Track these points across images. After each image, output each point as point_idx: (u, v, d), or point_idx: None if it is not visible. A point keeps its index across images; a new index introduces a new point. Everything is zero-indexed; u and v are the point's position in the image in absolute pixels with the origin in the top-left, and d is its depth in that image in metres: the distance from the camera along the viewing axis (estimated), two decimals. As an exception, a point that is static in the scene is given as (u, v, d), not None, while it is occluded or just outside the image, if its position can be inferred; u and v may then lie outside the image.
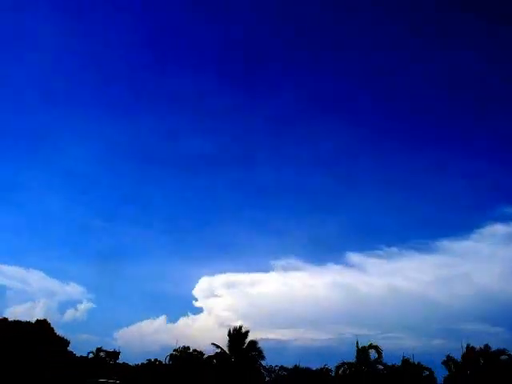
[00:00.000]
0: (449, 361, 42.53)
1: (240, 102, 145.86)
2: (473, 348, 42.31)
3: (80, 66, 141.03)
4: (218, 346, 47.18)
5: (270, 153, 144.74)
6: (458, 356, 42.70)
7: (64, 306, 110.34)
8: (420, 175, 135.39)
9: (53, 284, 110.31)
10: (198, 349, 57.16)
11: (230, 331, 47.20)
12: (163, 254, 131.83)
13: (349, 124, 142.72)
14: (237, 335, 47.12)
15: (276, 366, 59.50)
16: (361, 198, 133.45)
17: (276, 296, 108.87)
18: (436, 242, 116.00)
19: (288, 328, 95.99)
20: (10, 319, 47.89)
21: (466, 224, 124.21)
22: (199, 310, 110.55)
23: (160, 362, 59.96)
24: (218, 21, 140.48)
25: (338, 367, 47.44)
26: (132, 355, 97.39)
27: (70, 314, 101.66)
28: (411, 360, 46.71)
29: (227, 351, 46.95)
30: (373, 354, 44.60)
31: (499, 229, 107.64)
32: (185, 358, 55.94)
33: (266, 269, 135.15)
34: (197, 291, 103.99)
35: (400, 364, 46.37)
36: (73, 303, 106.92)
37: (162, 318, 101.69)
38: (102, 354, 61.20)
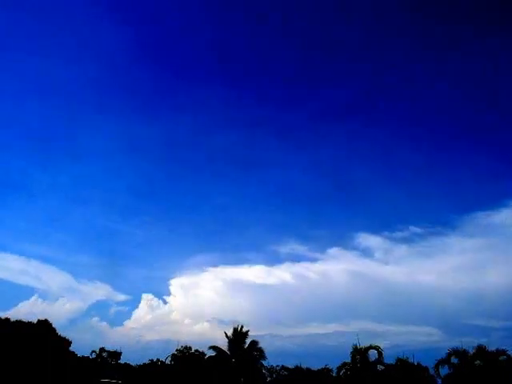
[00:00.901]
0: (449, 360, 42.13)
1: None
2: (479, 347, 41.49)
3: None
4: (216, 348, 47.23)
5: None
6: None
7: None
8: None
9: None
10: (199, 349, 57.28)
11: (226, 333, 47.31)
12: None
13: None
14: (237, 335, 47.13)
15: (277, 365, 59.49)
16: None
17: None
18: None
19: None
20: (11, 319, 47.92)
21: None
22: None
23: (162, 361, 60.10)
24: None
25: (339, 368, 47.33)
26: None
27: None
28: (410, 360, 46.59)
29: (227, 351, 46.98)
30: (373, 354, 44.71)
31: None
32: (186, 358, 56.05)
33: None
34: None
35: (399, 364, 46.06)
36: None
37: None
38: (104, 354, 61.66)
